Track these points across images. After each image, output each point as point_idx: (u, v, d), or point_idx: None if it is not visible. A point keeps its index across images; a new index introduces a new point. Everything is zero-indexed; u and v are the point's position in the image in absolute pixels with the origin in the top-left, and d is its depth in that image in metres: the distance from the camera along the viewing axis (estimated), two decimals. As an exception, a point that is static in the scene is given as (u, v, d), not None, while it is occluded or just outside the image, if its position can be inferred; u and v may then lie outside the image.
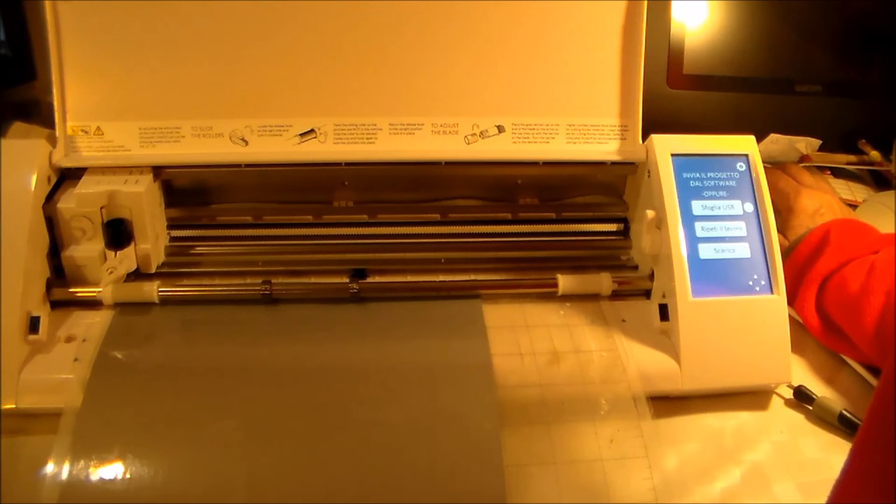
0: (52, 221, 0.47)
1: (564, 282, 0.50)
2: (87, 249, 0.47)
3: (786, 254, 0.53)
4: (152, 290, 0.47)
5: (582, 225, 0.56)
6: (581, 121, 0.52)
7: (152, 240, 0.49)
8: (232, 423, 0.41)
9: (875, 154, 0.75)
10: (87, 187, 0.46)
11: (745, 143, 0.51)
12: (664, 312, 0.48)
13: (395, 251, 0.53)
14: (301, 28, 0.49)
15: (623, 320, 0.49)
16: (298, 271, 0.52)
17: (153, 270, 0.49)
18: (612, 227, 0.56)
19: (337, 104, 0.50)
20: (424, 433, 0.41)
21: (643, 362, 0.46)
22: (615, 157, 0.52)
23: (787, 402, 0.48)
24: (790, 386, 0.48)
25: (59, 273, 0.48)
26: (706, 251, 0.48)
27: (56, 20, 0.47)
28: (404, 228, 0.54)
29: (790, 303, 0.51)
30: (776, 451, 0.45)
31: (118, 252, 0.47)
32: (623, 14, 0.51)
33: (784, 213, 0.57)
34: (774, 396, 0.49)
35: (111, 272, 0.47)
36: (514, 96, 0.51)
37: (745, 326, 0.47)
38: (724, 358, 0.47)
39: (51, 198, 0.47)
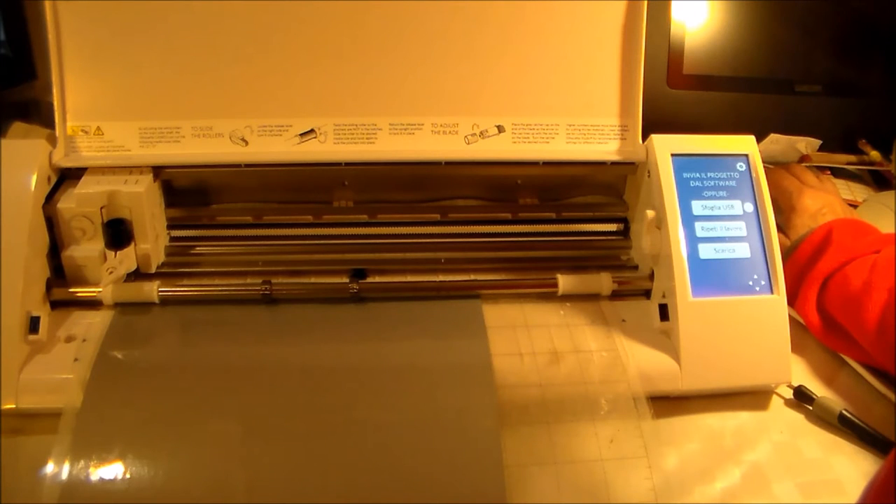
0: (52, 221, 0.47)
1: (564, 282, 0.50)
2: (87, 249, 0.47)
3: (787, 253, 0.53)
4: (152, 290, 0.47)
5: (582, 225, 0.56)
6: (581, 121, 0.52)
7: (152, 240, 0.49)
8: (232, 422, 0.41)
9: (875, 154, 0.75)
10: (87, 187, 0.46)
11: (745, 143, 0.51)
12: (664, 312, 0.48)
13: (395, 251, 0.53)
14: (301, 28, 0.49)
15: (623, 320, 0.49)
16: (298, 271, 0.52)
17: (153, 270, 0.49)
18: (612, 227, 0.56)
19: (337, 104, 0.50)
20: (424, 433, 0.41)
21: (643, 362, 0.46)
22: (615, 157, 0.52)
23: (787, 402, 0.48)
24: (790, 386, 0.48)
25: (59, 273, 0.48)
26: (706, 251, 0.48)
27: (56, 20, 0.47)
28: (404, 228, 0.54)
29: (791, 303, 0.51)
30: (776, 451, 0.45)
31: (118, 252, 0.47)
32: (623, 14, 0.51)
33: (786, 212, 0.57)
34: (774, 396, 0.49)
35: (111, 272, 0.47)
36: (514, 96, 0.51)
37: (745, 326, 0.47)
38: (724, 358, 0.47)
39: (51, 198, 0.47)
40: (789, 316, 0.48)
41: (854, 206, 0.68)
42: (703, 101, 0.72)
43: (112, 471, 0.38)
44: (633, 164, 0.52)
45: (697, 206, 0.49)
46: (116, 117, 0.49)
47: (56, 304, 0.47)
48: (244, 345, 0.45)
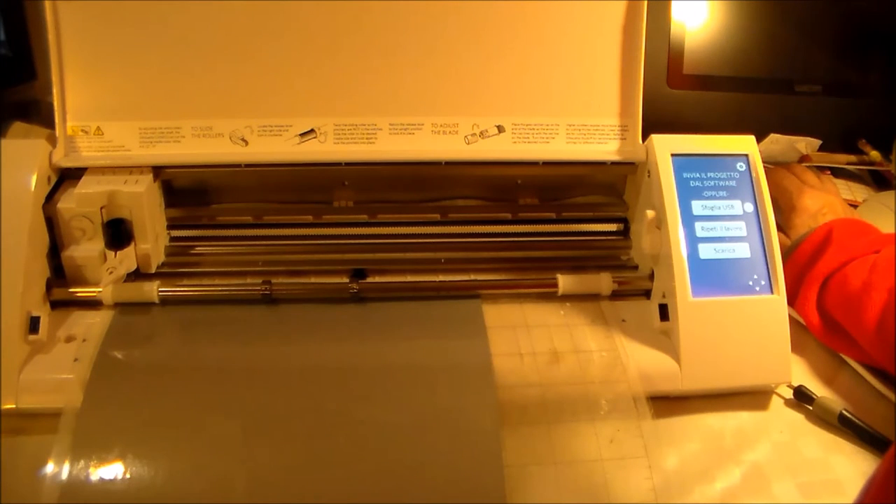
0: (52, 221, 0.47)
1: (564, 282, 0.50)
2: (87, 249, 0.47)
3: (787, 253, 0.53)
4: (152, 290, 0.47)
5: (582, 225, 0.56)
6: (581, 121, 0.52)
7: (152, 240, 0.49)
8: (232, 422, 0.41)
9: (875, 154, 0.75)
10: (87, 187, 0.46)
11: (745, 143, 0.51)
12: (664, 312, 0.48)
13: (395, 251, 0.53)
14: (301, 28, 0.49)
15: (623, 320, 0.49)
16: (298, 271, 0.52)
17: (153, 270, 0.49)
18: (612, 227, 0.56)
19: (337, 104, 0.50)
20: (424, 433, 0.41)
21: (643, 362, 0.46)
22: (615, 157, 0.52)
23: (787, 402, 0.48)
24: (790, 386, 0.48)
25: (59, 273, 0.48)
26: (706, 251, 0.48)
27: (56, 20, 0.47)
28: (404, 228, 0.54)
29: (791, 302, 0.51)
30: (776, 451, 0.45)
31: (118, 252, 0.47)
32: (623, 14, 0.51)
33: (786, 211, 0.57)
34: (774, 396, 0.49)
35: (111, 272, 0.47)
36: (514, 96, 0.51)
37: (745, 326, 0.47)
38: (724, 358, 0.47)
39: (51, 198, 0.47)
40: (789, 316, 0.48)
41: (854, 206, 0.68)
42: (703, 101, 0.72)
43: (112, 471, 0.38)
44: (633, 164, 0.52)
45: (697, 206, 0.49)
46: (116, 117, 0.49)
47: (56, 304, 0.47)
48: (244, 345, 0.45)
